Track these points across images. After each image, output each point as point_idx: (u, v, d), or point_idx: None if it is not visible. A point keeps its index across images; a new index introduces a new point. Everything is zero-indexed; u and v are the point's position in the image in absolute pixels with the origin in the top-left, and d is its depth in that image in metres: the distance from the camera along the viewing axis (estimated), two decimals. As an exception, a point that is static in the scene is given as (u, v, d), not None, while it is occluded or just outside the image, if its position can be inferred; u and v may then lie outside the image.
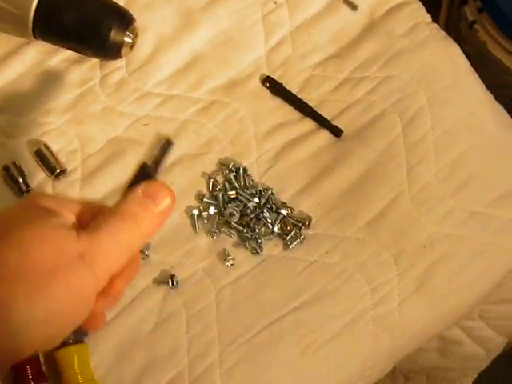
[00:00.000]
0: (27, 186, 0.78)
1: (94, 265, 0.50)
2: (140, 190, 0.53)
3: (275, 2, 0.88)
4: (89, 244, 0.50)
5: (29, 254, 0.50)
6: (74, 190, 0.79)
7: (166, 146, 0.61)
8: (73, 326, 0.51)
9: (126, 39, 0.81)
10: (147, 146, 0.80)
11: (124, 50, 0.82)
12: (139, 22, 0.83)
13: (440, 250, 0.76)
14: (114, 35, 0.80)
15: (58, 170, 0.78)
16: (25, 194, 0.77)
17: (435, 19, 0.91)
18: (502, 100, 0.87)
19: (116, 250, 0.52)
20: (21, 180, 0.78)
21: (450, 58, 0.85)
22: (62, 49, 0.85)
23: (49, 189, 0.78)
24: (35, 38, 0.82)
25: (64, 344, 0.69)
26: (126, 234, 0.52)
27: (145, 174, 0.58)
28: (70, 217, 0.53)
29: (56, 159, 0.79)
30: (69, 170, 0.79)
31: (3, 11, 0.80)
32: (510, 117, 0.85)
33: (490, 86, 0.87)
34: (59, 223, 0.52)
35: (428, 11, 0.90)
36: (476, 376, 1.03)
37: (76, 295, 0.51)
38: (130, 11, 0.82)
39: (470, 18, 1.29)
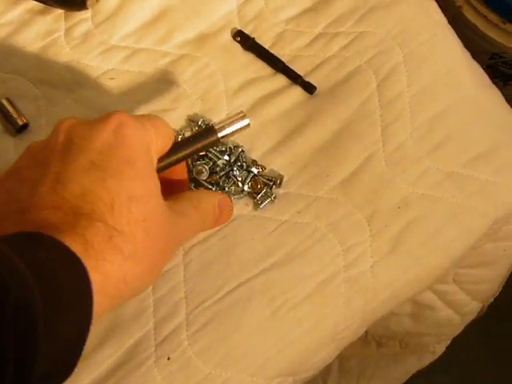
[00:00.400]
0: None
1: (179, 244, 0.67)
2: (217, 199, 0.66)
3: (247, -46, 0.86)
4: (180, 227, 0.61)
5: (150, 234, 0.54)
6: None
7: (236, 118, 0.64)
8: None
9: (92, -11, 0.78)
10: (114, 100, 0.78)
11: (90, 1, 0.79)
12: (106, -28, 0.81)
13: (415, 211, 0.74)
14: (78, -16, 0.77)
15: (21, 123, 0.75)
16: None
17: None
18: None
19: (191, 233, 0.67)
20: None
21: (426, 14, 0.83)
22: (24, -1, 0.82)
23: (10, 145, 0.76)
24: (-4, -14, 0.79)
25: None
26: (199, 223, 0.65)
27: (206, 135, 0.64)
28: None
29: (18, 113, 0.76)
30: (31, 125, 0.77)
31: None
32: (486, 75, 0.83)
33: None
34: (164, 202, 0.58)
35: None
36: (449, 342, 1.02)
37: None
38: (97, -39, 0.79)
39: (446, -18, 1.28)
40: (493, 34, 1.26)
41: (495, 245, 0.82)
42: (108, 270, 0.51)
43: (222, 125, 0.64)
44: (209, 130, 0.64)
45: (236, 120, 0.64)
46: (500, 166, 0.77)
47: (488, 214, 0.75)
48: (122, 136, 0.55)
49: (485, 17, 1.24)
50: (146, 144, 0.56)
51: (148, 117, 0.60)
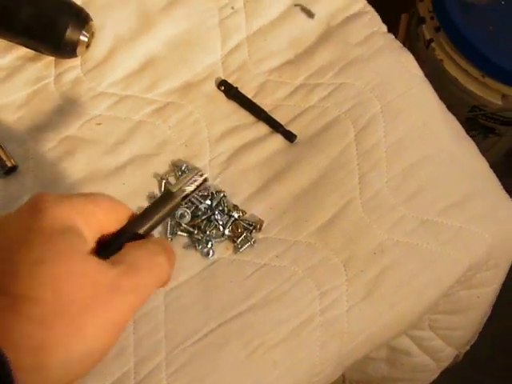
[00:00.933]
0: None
1: (132, 295, 0.49)
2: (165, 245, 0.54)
3: (233, 8, 0.89)
4: (126, 275, 0.49)
5: (63, 293, 0.47)
6: (25, 189, 0.78)
7: (192, 176, 0.58)
8: (106, 355, 0.50)
9: (82, 38, 0.81)
10: (100, 146, 0.80)
11: (79, 49, 0.82)
12: (96, 22, 0.83)
13: (390, 257, 0.76)
14: (69, 33, 0.80)
15: (9, 166, 0.77)
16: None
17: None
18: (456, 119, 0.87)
19: (149, 286, 0.51)
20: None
21: (404, 67, 0.86)
22: (16, 46, 0.84)
23: (-1, 187, 0.78)
24: (-11, 33, 0.82)
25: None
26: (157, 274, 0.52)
27: (166, 202, 0.57)
28: (91, 235, 0.51)
29: (7, 155, 0.78)
30: (20, 168, 0.78)
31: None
32: (462, 128, 0.86)
33: (446, 105, 0.87)
34: (87, 250, 0.50)
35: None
36: (425, 388, 1.03)
37: (113, 328, 0.49)
38: (87, 11, 0.82)
39: (427, 36, 1.31)
40: (473, 87, 1.28)
41: (469, 292, 0.83)
42: (17, 341, 0.46)
43: (179, 186, 0.59)
44: (167, 195, 0.59)
45: (192, 178, 0.59)
46: (474, 214, 0.79)
47: (461, 261, 0.77)
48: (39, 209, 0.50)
49: (465, 70, 1.27)
50: (57, 211, 0.50)
51: (82, 193, 0.55)
